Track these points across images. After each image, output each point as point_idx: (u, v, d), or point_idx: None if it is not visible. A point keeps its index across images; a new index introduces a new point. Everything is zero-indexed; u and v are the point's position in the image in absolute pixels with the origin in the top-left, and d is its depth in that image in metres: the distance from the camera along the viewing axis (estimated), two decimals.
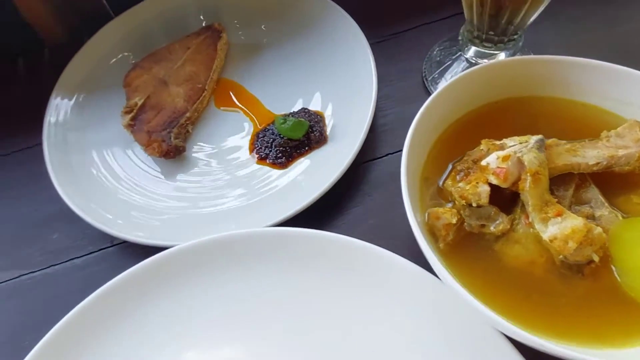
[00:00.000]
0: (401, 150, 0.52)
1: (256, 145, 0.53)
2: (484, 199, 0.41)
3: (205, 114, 0.57)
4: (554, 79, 0.47)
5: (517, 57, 0.45)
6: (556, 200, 0.40)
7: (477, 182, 0.41)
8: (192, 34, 0.59)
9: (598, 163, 0.41)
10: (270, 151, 0.51)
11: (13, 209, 0.54)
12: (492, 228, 0.41)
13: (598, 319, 0.37)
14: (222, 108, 0.57)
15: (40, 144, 0.58)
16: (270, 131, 0.52)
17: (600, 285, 0.38)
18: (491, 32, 0.48)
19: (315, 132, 0.51)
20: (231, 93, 0.58)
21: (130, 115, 0.52)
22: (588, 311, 0.37)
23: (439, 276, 0.38)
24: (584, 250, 0.37)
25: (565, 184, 0.42)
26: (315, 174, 0.49)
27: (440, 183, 0.44)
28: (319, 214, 0.49)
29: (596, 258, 0.37)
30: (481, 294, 0.38)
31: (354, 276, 0.44)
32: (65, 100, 0.57)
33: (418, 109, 0.55)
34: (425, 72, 0.57)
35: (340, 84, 0.55)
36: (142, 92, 0.54)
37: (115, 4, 0.65)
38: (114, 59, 0.61)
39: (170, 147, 0.51)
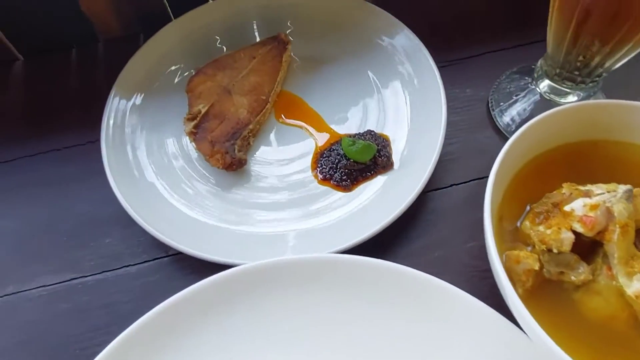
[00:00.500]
0: (467, 182, 0.53)
1: (320, 165, 0.51)
2: (567, 246, 0.39)
3: (264, 126, 0.56)
4: (634, 124, 0.46)
5: (609, 101, 0.44)
6: None
7: (559, 228, 0.40)
8: (258, 44, 0.58)
9: None
10: (335, 172, 0.50)
11: (66, 209, 0.52)
12: (572, 277, 0.40)
13: None
14: (281, 121, 0.56)
15: (92, 141, 0.57)
16: (336, 152, 0.51)
17: None
18: (576, 72, 0.47)
19: (382, 157, 0.50)
20: (292, 106, 0.57)
21: (193, 123, 0.51)
22: None
23: (521, 322, 0.37)
24: None
25: None
26: (381, 201, 0.48)
27: (518, 224, 0.43)
28: (382, 242, 0.47)
29: None
30: (561, 344, 0.37)
31: (420, 310, 0.43)
32: (124, 101, 0.55)
33: (483, 140, 0.55)
34: (492, 102, 0.56)
35: (406, 107, 0.54)
36: (205, 100, 0.53)
37: (176, 4, 0.64)
38: (172, 63, 0.59)
39: (234, 159, 0.50)
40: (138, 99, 0.56)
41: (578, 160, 0.47)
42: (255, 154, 0.54)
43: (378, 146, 0.50)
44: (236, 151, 0.50)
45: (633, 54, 0.43)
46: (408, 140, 0.52)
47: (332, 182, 0.50)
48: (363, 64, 0.59)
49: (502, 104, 0.56)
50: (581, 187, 0.42)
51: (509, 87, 0.56)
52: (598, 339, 0.38)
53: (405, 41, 0.57)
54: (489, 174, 0.53)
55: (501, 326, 0.40)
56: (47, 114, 0.60)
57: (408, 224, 0.49)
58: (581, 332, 0.38)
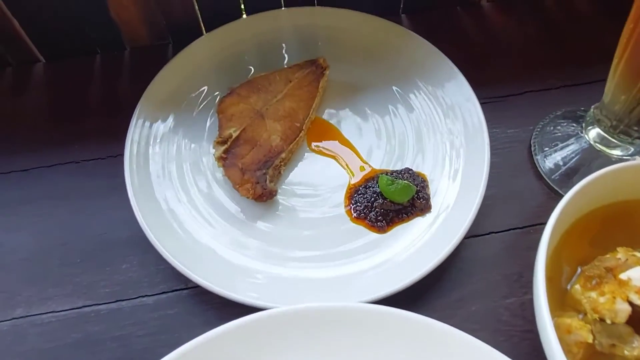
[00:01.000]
0: (506, 231, 0.50)
1: (354, 201, 0.49)
2: (622, 318, 0.37)
3: (295, 154, 0.53)
4: None
5: None
6: None
7: (613, 297, 0.37)
8: (295, 67, 0.55)
9: None
10: (370, 212, 0.47)
11: (82, 227, 0.50)
12: (625, 351, 0.37)
13: None
14: (313, 149, 0.54)
15: (113, 156, 0.54)
16: (372, 189, 0.48)
17: None
18: (635, 128, 0.44)
19: (421, 199, 0.47)
20: (325, 135, 0.54)
21: (223, 147, 0.49)
22: None
23: None
24: None
25: None
26: (417, 248, 0.45)
27: (568, 287, 0.40)
28: (414, 290, 0.44)
29: None
30: None
31: None
32: (151, 116, 0.53)
33: (523, 185, 0.53)
34: (534, 145, 0.54)
35: (447, 146, 0.52)
36: (237, 123, 0.51)
37: (208, 17, 0.62)
38: (202, 80, 0.57)
39: (265, 190, 0.47)
40: (166, 116, 0.54)
41: (632, 220, 0.44)
42: (284, 183, 0.51)
43: (417, 187, 0.48)
44: (267, 181, 0.48)
45: None
46: (446, 182, 0.49)
47: (366, 221, 0.47)
48: (400, 94, 0.56)
49: (546, 148, 0.53)
50: (638, 254, 0.39)
51: (554, 131, 0.54)
52: None
53: (446, 73, 0.55)
54: (529, 223, 0.51)
55: None
56: (68, 121, 0.58)
57: (443, 272, 0.46)
58: None
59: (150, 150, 0.51)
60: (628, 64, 0.40)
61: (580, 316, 0.39)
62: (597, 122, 0.48)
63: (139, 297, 0.46)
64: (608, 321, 0.37)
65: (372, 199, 0.48)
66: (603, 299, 0.38)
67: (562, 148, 0.52)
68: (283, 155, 0.50)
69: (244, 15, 0.62)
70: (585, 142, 0.51)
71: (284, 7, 0.62)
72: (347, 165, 0.52)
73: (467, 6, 0.67)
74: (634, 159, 0.49)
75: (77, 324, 0.45)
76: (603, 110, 0.47)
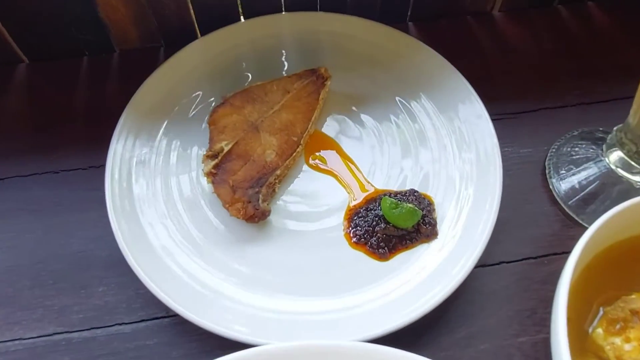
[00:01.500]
0: (518, 261, 0.46)
1: (353, 224, 0.45)
2: None
3: (292, 170, 0.49)
4: None
5: None
6: None
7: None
8: (293, 76, 0.51)
9: None
10: (371, 237, 0.44)
11: (57, 245, 0.46)
12: None
13: None
14: (311, 165, 0.50)
15: (95, 166, 0.51)
16: (374, 212, 0.44)
17: None
18: None
19: (427, 225, 0.44)
20: (324, 150, 0.51)
21: (214, 162, 0.45)
22: None
23: None
24: None
25: None
26: (422, 277, 0.41)
27: (590, 330, 0.37)
28: (419, 326, 0.40)
29: None
30: None
31: None
32: (137, 125, 0.49)
33: (536, 210, 0.49)
34: (549, 167, 0.50)
35: (455, 166, 0.48)
36: (229, 136, 0.47)
37: (204, 20, 0.58)
38: (195, 86, 0.53)
39: (258, 210, 0.43)
40: (153, 125, 0.50)
41: None
42: (278, 202, 0.47)
43: (423, 211, 0.44)
44: (260, 201, 0.44)
45: None
46: (455, 205, 0.46)
47: (367, 247, 0.43)
48: (405, 107, 0.52)
49: (562, 171, 0.49)
50: None
51: (570, 152, 0.50)
52: None
53: (455, 87, 0.51)
54: (543, 253, 0.47)
55: None
56: (49, 127, 0.54)
57: (450, 305, 0.42)
58: None
59: (135, 162, 0.47)
60: None
61: None
62: (620, 146, 0.45)
63: (116, 324, 0.42)
64: None
65: (374, 222, 0.44)
66: (629, 347, 0.34)
67: (579, 171, 0.48)
68: (278, 171, 0.46)
69: (242, 19, 0.58)
70: (605, 166, 0.47)
71: (285, 11, 0.58)
72: (347, 184, 0.48)
73: (477, 16, 0.63)
74: None
75: (46, 354, 0.40)
76: (628, 133, 0.43)
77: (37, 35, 0.57)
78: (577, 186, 0.48)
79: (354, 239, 0.44)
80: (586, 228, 0.47)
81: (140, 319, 0.42)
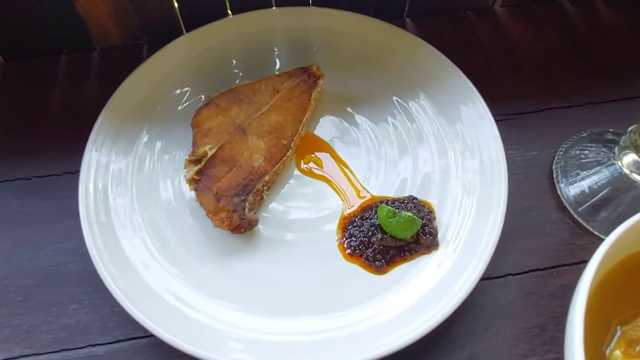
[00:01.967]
0: (525, 273, 0.42)
1: (348, 234, 0.41)
2: None
3: (281, 176, 0.46)
4: None
5: None
6: None
7: None
8: (283, 75, 0.48)
9: None
10: (367, 248, 0.40)
11: (27, 258, 0.42)
12: None
13: None
14: (302, 170, 0.46)
15: (71, 172, 0.47)
16: (370, 221, 0.41)
17: None
18: None
19: (427, 235, 0.40)
20: (317, 154, 0.47)
21: (196, 168, 0.41)
22: None
23: None
24: None
25: None
26: (422, 293, 0.38)
27: (607, 352, 0.33)
28: (419, 346, 0.37)
29: None
30: None
31: None
32: (116, 127, 0.46)
33: (544, 217, 0.45)
34: (557, 171, 0.47)
35: (457, 170, 0.45)
36: (214, 139, 0.43)
37: (189, 16, 0.55)
38: (179, 85, 0.50)
39: (244, 220, 0.40)
40: (133, 128, 0.46)
41: None
42: (266, 210, 0.44)
43: (423, 220, 0.41)
44: (246, 210, 0.40)
45: None
46: (457, 213, 0.42)
47: (362, 259, 0.40)
48: (403, 107, 0.49)
49: (570, 175, 0.46)
50: None
51: (579, 155, 0.47)
52: None
53: (456, 86, 0.48)
54: (552, 264, 0.43)
55: None
56: (23, 130, 0.50)
57: (453, 322, 0.39)
58: None
59: (112, 168, 0.44)
60: None
61: None
62: (635, 148, 0.41)
63: (88, 346, 0.38)
64: None
65: (370, 233, 0.41)
66: None
67: (589, 175, 0.45)
68: (267, 177, 0.43)
69: (230, 14, 0.55)
70: (617, 170, 0.44)
71: (275, 6, 0.55)
72: (341, 190, 0.45)
73: (478, 11, 0.60)
74: None
75: None
76: None
77: (12, 32, 0.53)
78: (587, 191, 0.45)
79: (349, 251, 0.41)
80: (597, 236, 0.44)
81: (115, 339, 0.39)
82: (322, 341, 0.36)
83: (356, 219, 0.42)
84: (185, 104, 0.49)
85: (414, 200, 0.42)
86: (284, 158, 0.44)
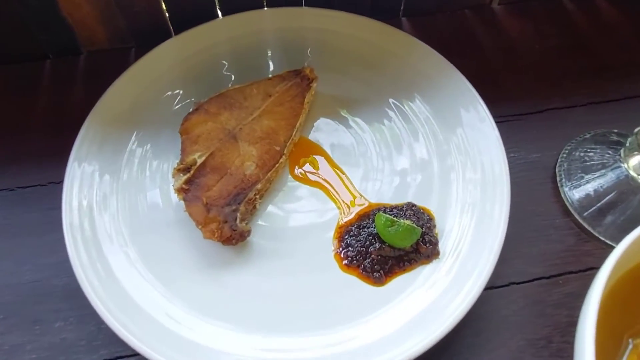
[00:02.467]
0: (529, 282, 0.41)
1: (344, 244, 0.40)
2: None
3: (274, 184, 0.44)
4: None
5: None
6: None
7: None
8: (275, 78, 0.46)
9: None
10: (365, 259, 0.39)
11: (10, 273, 0.40)
12: None
13: None
14: (296, 177, 0.45)
15: (56, 182, 0.45)
16: (367, 230, 0.39)
17: None
18: None
19: (427, 244, 0.39)
20: (311, 160, 0.45)
21: (185, 177, 0.39)
22: None
23: None
24: None
25: None
26: (423, 305, 0.36)
27: None
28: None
29: None
30: None
31: None
32: (99, 136, 0.44)
33: (547, 222, 0.44)
34: (561, 174, 0.45)
35: (457, 175, 0.43)
36: (203, 146, 0.41)
37: (178, 18, 0.53)
38: (169, 89, 0.48)
39: (235, 232, 0.38)
40: (120, 135, 0.45)
41: None
42: (259, 220, 0.42)
43: (422, 228, 0.39)
44: (238, 220, 0.38)
45: None
46: (458, 220, 0.41)
47: (360, 270, 0.38)
48: (401, 111, 0.48)
49: (574, 178, 0.45)
50: None
51: (584, 157, 0.45)
52: None
53: (455, 87, 0.47)
54: (557, 272, 0.42)
55: None
56: (5, 138, 0.49)
57: (455, 334, 0.37)
58: None
59: (97, 178, 0.42)
60: None
61: None
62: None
63: None
64: None
65: (367, 242, 0.39)
66: None
67: (594, 179, 0.44)
68: (259, 186, 0.41)
69: (220, 16, 0.53)
70: (623, 173, 0.42)
71: (267, 6, 0.53)
72: (337, 197, 0.43)
73: (476, 9, 0.58)
74: None
75: None
76: None
77: None
78: (592, 195, 0.43)
79: (345, 262, 0.39)
80: (603, 242, 0.43)
81: (101, 358, 0.37)
82: (317, 358, 0.34)
83: (353, 228, 0.40)
84: (174, 109, 0.47)
85: (413, 207, 0.41)
86: (277, 165, 0.42)
